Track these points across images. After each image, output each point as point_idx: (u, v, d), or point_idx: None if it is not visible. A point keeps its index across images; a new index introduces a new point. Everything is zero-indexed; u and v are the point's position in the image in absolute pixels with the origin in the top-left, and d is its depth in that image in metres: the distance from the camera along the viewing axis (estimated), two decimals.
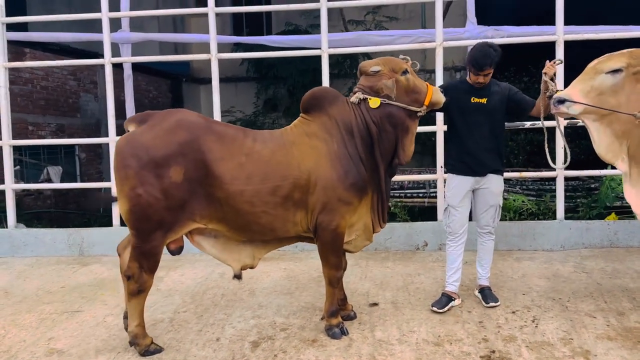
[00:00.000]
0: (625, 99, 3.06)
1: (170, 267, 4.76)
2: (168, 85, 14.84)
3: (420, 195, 7.07)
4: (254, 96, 12.98)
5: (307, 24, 11.91)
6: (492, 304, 3.65)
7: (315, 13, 12.72)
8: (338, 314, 3.34)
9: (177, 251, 3.17)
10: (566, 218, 5.54)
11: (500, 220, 5.24)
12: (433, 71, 5.25)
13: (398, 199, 6.70)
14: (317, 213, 3.15)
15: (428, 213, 6.33)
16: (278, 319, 3.59)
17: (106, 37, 5.21)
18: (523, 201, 5.50)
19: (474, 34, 5.07)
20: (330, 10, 11.69)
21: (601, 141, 3.18)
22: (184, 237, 3.16)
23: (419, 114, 3.33)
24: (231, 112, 12.11)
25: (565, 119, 4.25)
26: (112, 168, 3.03)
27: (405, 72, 3.27)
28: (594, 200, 5.82)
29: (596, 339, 3.11)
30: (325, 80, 4.97)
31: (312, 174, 3.11)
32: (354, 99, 3.23)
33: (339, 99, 3.30)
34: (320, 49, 4.97)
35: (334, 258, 3.26)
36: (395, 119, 3.27)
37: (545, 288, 3.97)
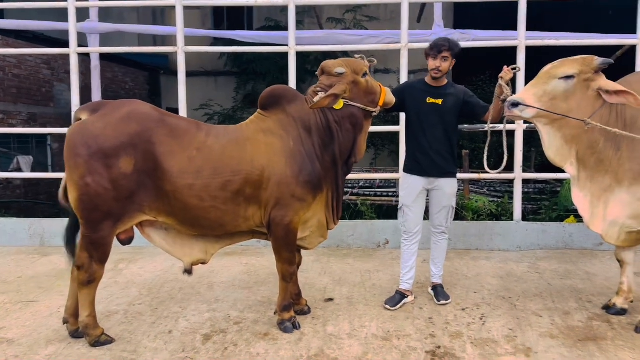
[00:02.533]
0: (576, 105, 3.15)
1: (131, 260, 4.77)
2: (145, 77, 14.73)
3: (390, 194, 7.17)
4: (233, 91, 12.96)
5: (286, 20, 11.92)
6: (443, 301, 3.74)
7: (296, 10, 12.81)
8: (291, 309, 3.39)
9: (127, 241, 3.17)
10: (530, 220, 5.68)
11: (460, 220, 5.39)
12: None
13: (366, 197, 6.77)
14: (270, 208, 3.19)
15: (395, 212, 6.40)
16: (233, 312, 3.63)
17: (72, 26, 5.17)
18: (484, 203, 5.60)
19: (440, 36, 5.13)
20: (309, 8, 11.79)
21: (551, 145, 3.27)
22: (136, 229, 3.18)
23: (374, 113, 3.41)
24: (209, 105, 12.09)
25: (524, 122, 4.36)
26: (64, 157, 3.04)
27: (365, 74, 3.33)
28: (555, 203, 5.97)
29: (539, 337, 3.21)
30: (292, 77, 5.00)
31: (266, 169, 3.15)
32: (316, 99, 3.26)
33: (298, 98, 3.35)
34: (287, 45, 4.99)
35: (287, 253, 3.31)
36: (356, 119, 3.34)
37: (497, 287, 4.07)
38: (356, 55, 3.44)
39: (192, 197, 3.06)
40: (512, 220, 5.14)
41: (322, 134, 3.29)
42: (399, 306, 3.67)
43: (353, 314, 3.58)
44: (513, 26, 5.02)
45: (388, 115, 7.82)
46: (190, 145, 3.09)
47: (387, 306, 3.66)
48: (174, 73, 14.73)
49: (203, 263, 3.37)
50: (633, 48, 4.86)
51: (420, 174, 3.70)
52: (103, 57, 11.93)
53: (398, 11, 12.29)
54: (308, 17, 12.40)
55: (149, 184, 3.02)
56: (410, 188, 3.74)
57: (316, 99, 3.18)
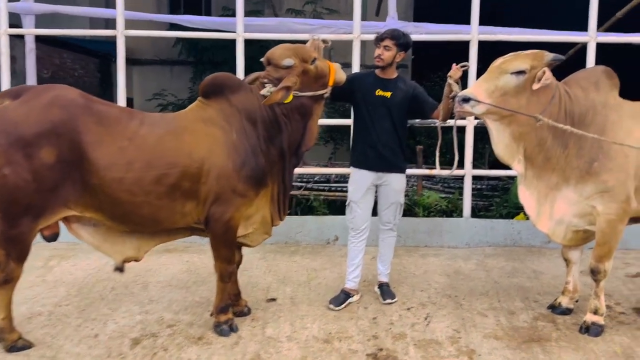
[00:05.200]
0: (526, 101, 3.06)
1: (63, 256, 4.46)
2: (97, 64, 14.11)
3: (345, 189, 7.02)
4: (189, 81, 12.57)
5: (246, 9, 11.62)
6: (388, 300, 3.63)
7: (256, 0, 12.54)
8: (228, 311, 3.20)
9: (51, 238, 2.94)
10: (481, 217, 5.66)
11: (411, 216, 5.31)
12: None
13: (319, 192, 6.60)
14: (209, 204, 2.99)
15: None
16: (167, 314, 3.41)
17: (3, 5, 4.79)
18: (436, 199, 5.54)
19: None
20: None
21: (500, 141, 3.19)
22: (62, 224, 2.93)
23: (325, 95, 3.26)
24: (163, 95, 11.68)
25: (475, 118, 4.29)
26: None
27: (314, 60, 3.15)
28: (506, 200, 5.97)
29: (483, 338, 3.14)
30: (240, 66, 4.78)
31: (205, 162, 2.94)
32: (264, 92, 3.06)
33: (243, 87, 3.15)
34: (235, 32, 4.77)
35: (225, 251, 3.12)
36: (305, 108, 3.19)
37: (444, 285, 3.99)
38: (314, 38, 3.27)
39: (123, 191, 2.83)
40: (462, 217, 5.09)
41: (268, 127, 3.10)
42: (343, 306, 3.54)
43: (295, 314, 3.43)
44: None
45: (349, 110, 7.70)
46: (121, 135, 2.85)
47: (331, 306, 3.52)
48: (128, 61, 14.12)
49: (136, 260, 3.15)
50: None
51: (368, 168, 3.57)
52: (50, 42, 11.42)
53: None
54: (268, 8, 12.15)
55: (74, 177, 2.78)
56: (359, 183, 3.61)
57: (264, 91, 3.01)
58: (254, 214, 3.17)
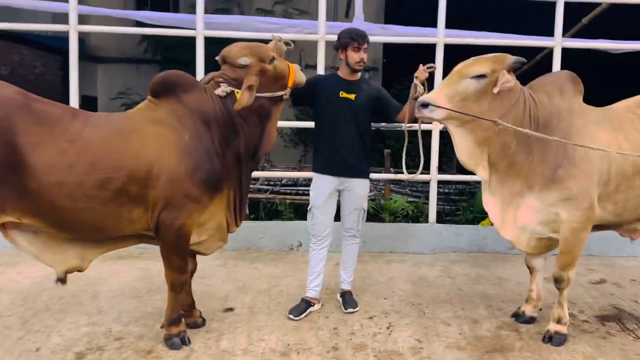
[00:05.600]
0: (488, 105, 2.99)
1: (9, 263, 4.22)
2: (58, 61, 13.62)
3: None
4: None
5: (213, 7, 11.41)
6: (350, 309, 3.51)
7: None
8: (180, 322, 3.03)
9: None
10: (448, 222, 5.61)
11: (377, 222, 5.22)
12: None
13: (284, 196, 6.46)
14: (158, 210, 2.81)
15: None
16: (116, 326, 3.22)
17: None
18: (402, 204, 5.46)
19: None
20: None
21: (463, 147, 3.11)
22: None
23: (285, 97, 3.12)
24: (127, 94, 11.35)
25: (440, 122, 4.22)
26: None
27: (272, 59, 3.01)
28: (472, 204, 5.94)
29: (446, 349, 3.04)
30: (200, 65, 4.61)
31: (155, 165, 2.77)
32: (219, 92, 2.91)
33: (197, 87, 2.98)
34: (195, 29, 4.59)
35: (177, 260, 2.95)
36: (264, 110, 3.04)
37: (408, 293, 3.90)
38: (276, 38, 3.13)
39: (63, 196, 2.63)
40: (428, 222, 5.02)
41: (223, 129, 2.95)
42: (303, 315, 3.41)
43: (253, 325, 3.28)
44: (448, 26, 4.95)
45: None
46: (62, 136, 2.65)
47: (291, 316, 3.38)
48: (93, 59, 13.60)
49: (79, 271, 2.95)
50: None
51: (331, 173, 3.45)
52: (9, 37, 10.96)
53: (330, 5, 12.13)
54: (237, 7, 11.96)
55: (10, 180, 2.57)
56: (321, 189, 3.48)
57: (218, 91, 2.87)
58: (209, 220, 3.01)
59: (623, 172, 3.08)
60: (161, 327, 3.08)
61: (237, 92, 2.91)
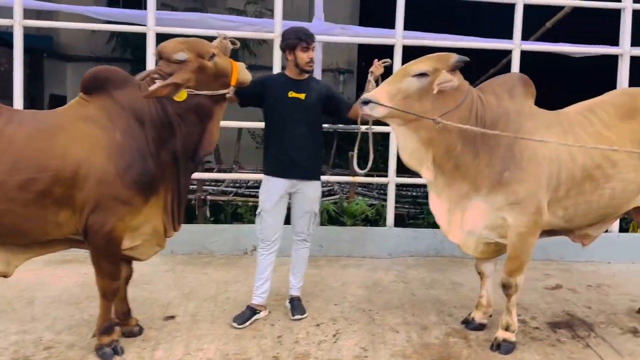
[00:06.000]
0: (430, 105, 2.92)
1: None
2: (25, 59, 13.29)
3: None
4: None
5: (184, 6, 11.22)
6: (297, 316, 3.40)
7: None
8: (113, 331, 2.88)
9: None
10: (411, 225, 5.53)
11: (334, 225, 5.12)
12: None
13: (247, 198, 6.31)
14: (87, 213, 2.66)
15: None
16: (47, 334, 3.05)
17: None
18: (362, 206, 5.35)
19: (319, 30, 4.83)
20: None
21: (406, 147, 3.03)
22: None
23: (227, 95, 2.98)
24: None
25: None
26: None
27: (212, 55, 2.88)
28: None
29: (391, 357, 2.95)
30: (150, 62, 4.44)
31: (82, 165, 2.62)
32: (153, 88, 2.76)
33: (130, 83, 2.84)
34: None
35: (108, 266, 2.80)
36: (204, 109, 2.89)
37: (359, 298, 3.80)
38: (221, 35, 3.00)
39: None
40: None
41: (158, 128, 2.80)
42: (248, 323, 3.28)
43: (193, 334, 3.14)
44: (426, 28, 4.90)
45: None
46: None
47: (235, 324, 3.25)
48: (62, 57, 13.23)
49: (5, 276, 2.78)
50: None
51: (282, 175, 3.34)
52: None
53: (304, 6, 12.05)
54: (211, 7, 11.78)
55: None
56: (270, 192, 3.36)
57: (152, 87, 2.68)
58: (143, 224, 2.86)
59: (573, 177, 3.03)
60: (92, 336, 2.93)
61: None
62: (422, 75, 2.87)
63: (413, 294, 3.92)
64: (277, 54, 4.60)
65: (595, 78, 7.18)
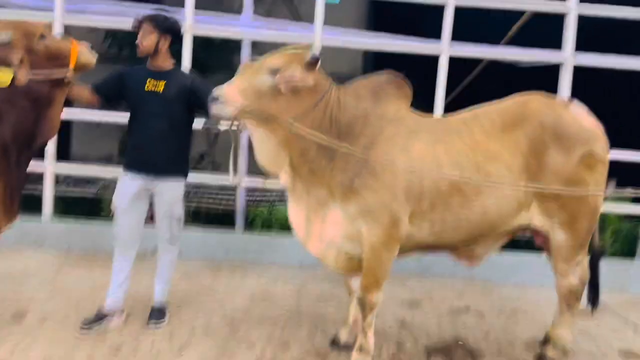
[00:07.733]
0: (286, 105, 2.68)
1: None
2: None
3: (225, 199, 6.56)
4: None
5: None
6: (152, 325, 3.18)
7: None
8: None
9: None
10: None
11: (250, 230, 4.85)
12: None
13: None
14: None
15: (225, 218, 5.66)
16: None
17: None
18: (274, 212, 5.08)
19: (246, 25, 4.69)
20: None
21: (261, 149, 2.80)
22: None
23: (67, 79, 2.80)
24: None
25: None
26: None
27: (42, 36, 2.71)
28: None
29: None
30: None
31: None
32: None
33: None
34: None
35: None
36: (37, 93, 2.71)
37: (238, 309, 3.54)
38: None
39: None
40: None
41: None
42: (95, 328, 3.07)
43: (31, 335, 2.95)
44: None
45: None
46: None
47: (84, 329, 3.05)
48: None
49: None
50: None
51: (137, 171, 3.14)
52: None
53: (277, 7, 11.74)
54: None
55: None
56: (124, 188, 3.16)
57: None
58: None
59: (437, 189, 2.75)
60: None
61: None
62: (275, 71, 2.65)
63: (299, 307, 3.66)
64: (187, 48, 4.45)
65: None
